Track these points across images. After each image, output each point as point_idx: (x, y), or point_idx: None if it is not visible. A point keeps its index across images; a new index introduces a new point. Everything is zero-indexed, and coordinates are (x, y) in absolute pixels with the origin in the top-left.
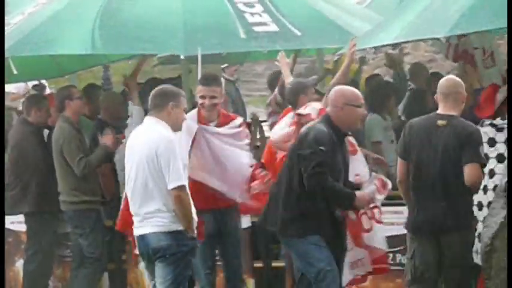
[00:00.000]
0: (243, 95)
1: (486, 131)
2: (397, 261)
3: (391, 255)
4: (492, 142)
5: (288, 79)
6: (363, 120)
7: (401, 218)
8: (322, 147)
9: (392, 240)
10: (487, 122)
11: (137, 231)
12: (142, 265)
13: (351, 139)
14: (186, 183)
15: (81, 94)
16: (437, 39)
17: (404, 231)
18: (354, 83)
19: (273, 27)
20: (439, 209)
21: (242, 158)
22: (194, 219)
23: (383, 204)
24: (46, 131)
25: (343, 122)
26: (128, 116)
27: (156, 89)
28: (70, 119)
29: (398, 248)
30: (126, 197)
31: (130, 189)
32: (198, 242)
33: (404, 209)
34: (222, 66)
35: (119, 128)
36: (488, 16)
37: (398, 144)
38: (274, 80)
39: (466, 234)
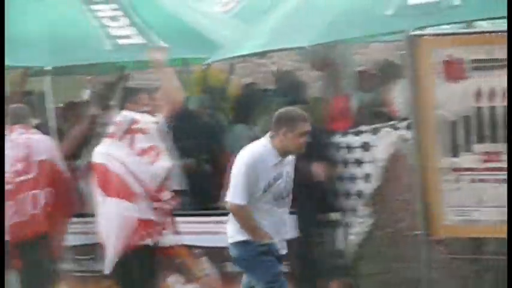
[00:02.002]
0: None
1: (345, 139)
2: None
3: None
4: (350, 148)
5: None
6: None
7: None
8: None
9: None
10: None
11: None
12: None
13: None
14: (243, 203)
15: None
16: (303, 47)
17: None
18: (223, 92)
19: (139, 40)
20: None
21: None
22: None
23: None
24: None
25: None
26: None
27: (279, 110)
28: None
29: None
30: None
31: None
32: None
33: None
34: (88, 78)
35: None
36: (352, 26)
37: None
38: None
39: None
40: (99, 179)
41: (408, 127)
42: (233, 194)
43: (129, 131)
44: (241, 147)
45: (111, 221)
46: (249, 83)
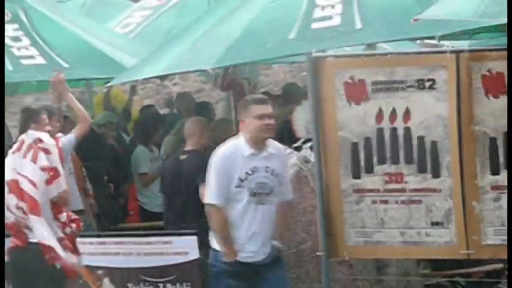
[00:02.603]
0: (11, 126)
1: None
2: None
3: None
4: None
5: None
6: None
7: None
8: None
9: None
10: None
11: None
12: None
13: None
14: (215, 202)
15: None
16: (204, 70)
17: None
18: (126, 113)
19: (40, 60)
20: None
21: None
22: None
23: (154, 234)
24: None
25: None
26: None
27: None
28: None
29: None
30: None
31: None
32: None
33: (174, 239)
34: None
35: None
36: (253, 48)
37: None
38: None
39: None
40: (15, 195)
41: (311, 148)
42: (206, 194)
43: (33, 147)
44: (142, 168)
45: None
46: (148, 105)
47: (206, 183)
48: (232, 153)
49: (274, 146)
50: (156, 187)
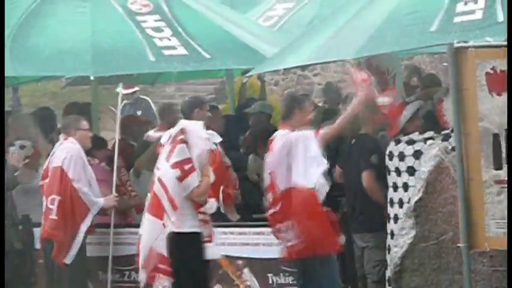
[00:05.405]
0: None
1: (397, 147)
2: None
3: None
4: (402, 156)
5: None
6: None
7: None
8: None
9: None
10: (396, 138)
11: None
12: None
13: None
14: None
15: None
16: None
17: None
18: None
19: (182, 51)
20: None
21: None
22: None
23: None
24: None
25: None
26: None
27: None
28: None
29: None
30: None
31: None
32: None
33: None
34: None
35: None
36: (394, 38)
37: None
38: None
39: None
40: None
41: (453, 138)
42: None
43: (173, 140)
44: None
45: (145, 238)
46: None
47: None
48: None
49: None
50: None
